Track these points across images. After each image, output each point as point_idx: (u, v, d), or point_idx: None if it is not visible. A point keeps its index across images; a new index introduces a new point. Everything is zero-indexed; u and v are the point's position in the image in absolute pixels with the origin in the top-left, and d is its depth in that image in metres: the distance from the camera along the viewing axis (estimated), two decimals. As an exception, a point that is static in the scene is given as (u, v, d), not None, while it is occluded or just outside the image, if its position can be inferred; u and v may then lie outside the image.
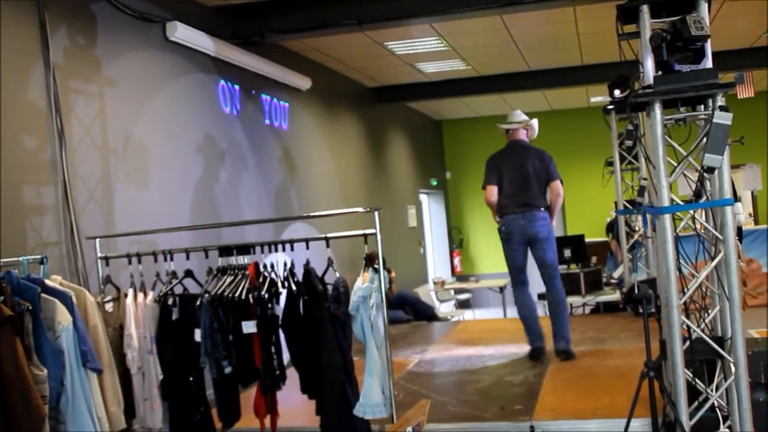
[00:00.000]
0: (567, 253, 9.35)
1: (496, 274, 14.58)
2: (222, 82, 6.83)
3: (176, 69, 6.16)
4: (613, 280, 9.28)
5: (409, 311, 10.15)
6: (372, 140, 11.23)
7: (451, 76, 10.93)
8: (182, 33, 6.03)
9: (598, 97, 12.98)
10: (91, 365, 3.64)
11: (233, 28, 7.00)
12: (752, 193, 13.18)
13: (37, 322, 3.44)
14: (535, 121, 6.85)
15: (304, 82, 8.39)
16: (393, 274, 9.89)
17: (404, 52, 9.23)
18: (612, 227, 10.37)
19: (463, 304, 13.17)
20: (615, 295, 8.96)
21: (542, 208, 6.45)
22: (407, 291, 10.71)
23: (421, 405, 3.53)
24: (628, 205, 8.03)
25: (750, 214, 13.17)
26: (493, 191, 6.56)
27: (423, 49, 9.13)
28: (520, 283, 6.57)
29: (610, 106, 7.81)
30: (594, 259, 9.65)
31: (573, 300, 9.18)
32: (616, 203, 8.56)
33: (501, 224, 6.54)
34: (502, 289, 11.42)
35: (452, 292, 12.71)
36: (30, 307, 3.41)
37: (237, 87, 7.10)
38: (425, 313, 10.25)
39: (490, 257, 15.57)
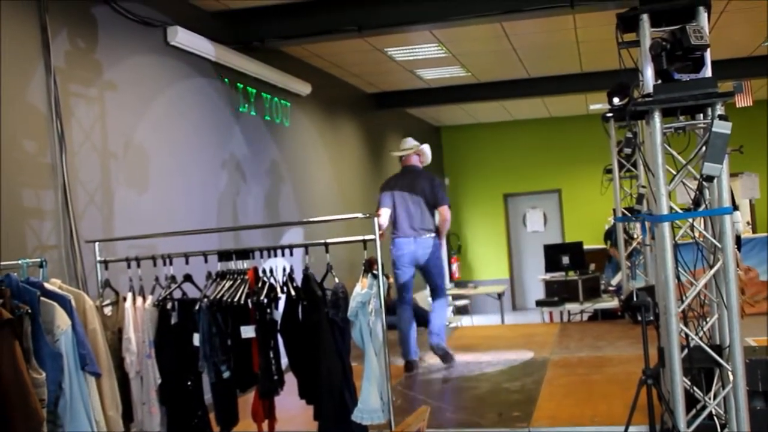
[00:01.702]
0: (565, 260, 9.35)
1: (494, 281, 14.62)
2: (222, 87, 6.84)
3: (177, 73, 6.17)
4: (611, 288, 9.29)
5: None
6: (371, 146, 11.24)
7: (451, 82, 10.95)
8: (183, 38, 6.05)
9: (597, 104, 13.00)
10: (89, 369, 3.64)
11: (234, 33, 7.01)
12: (750, 201, 13.20)
13: (36, 325, 3.44)
14: (425, 147, 7.16)
15: (303, 88, 8.41)
16: (391, 280, 9.86)
17: (404, 59, 9.24)
18: (610, 234, 10.39)
19: (461, 311, 13.15)
20: (613, 303, 8.97)
21: (432, 234, 6.81)
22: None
23: (420, 411, 3.54)
24: (626, 212, 8.04)
25: (748, 223, 13.17)
26: (385, 214, 6.82)
27: (423, 56, 9.15)
28: (404, 301, 6.88)
29: (609, 114, 7.82)
30: (592, 267, 9.66)
31: (571, 307, 9.19)
32: (614, 210, 8.57)
33: (392, 246, 6.85)
34: (500, 296, 11.42)
35: (450, 298, 12.69)
36: (29, 311, 3.41)
37: (237, 92, 7.11)
38: (422, 319, 10.23)
39: (488, 264, 15.60)
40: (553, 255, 9.60)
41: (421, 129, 14.29)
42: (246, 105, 7.28)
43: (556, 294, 9.27)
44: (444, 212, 6.87)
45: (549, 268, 9.71)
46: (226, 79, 6.90)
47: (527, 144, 15.28)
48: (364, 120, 11.00)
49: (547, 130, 15.13)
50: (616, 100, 6.81)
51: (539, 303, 9.52)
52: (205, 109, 6.56)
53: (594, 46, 8.93)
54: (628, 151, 7.96)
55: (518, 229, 15.73)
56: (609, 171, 8.55)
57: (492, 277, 15.25)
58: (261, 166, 7.56)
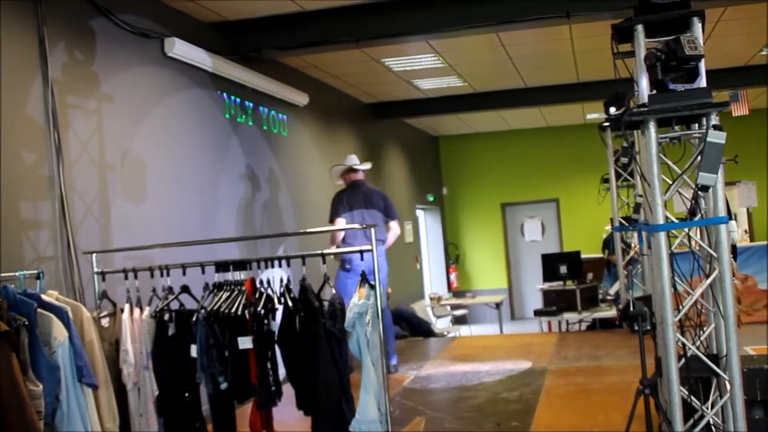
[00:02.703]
0: (563, 269, 9.36)
1: (493, 290, 14.62)
2: (220, 97, 6.86)
3: (174, 84, 6.19)
4: (609, 297, 9.29)
5: (405, 327, 10.14)
6: (369, 156, 11.23)
7: (448, 92, 10.98)
8: (180, 49, 6.07)
9: (594, 113, 13.04)
10: (86, 381, 3.64)
11: (231, 44, 7.03)
12: (748, 209, 13.22)
13: (33, 337, 3.44)
14: (368, 165, 7.44)
15: (301, 98, 8.43)
16: (389, 290, 9.88)
17: (401, 69, 9.27)
18: (608, 243, 10.40)
19: (459, 320, 13.15)
20: (611, 312, 8.97)
21: (383, 243, 7.00)
22: (403, 307, 10.70)
23: (415, 423, 3.54)
24: (624, 221, 8.05)
25: (746, 231, 13.20)
26: (341, 224, 6.97)
27: (420, 66, 9.18)
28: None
29: (606, 124, 7.85)
30: (590, 276, 9.66)
31: (569, 316, 9.19)
32: (612, 220, 8.58)
33: (345, 256, 6.83)
34: (498, 305, 11.43)
35: (448, 307, 12.71)
36: (26, 323, 3.41)
37: (234, 103, 7.13)
38: (421, 329, 10.24)
39: (486, 273, 15.60)
40: (550, 264, 9.61)
41: (418, 139, 14.32)
42: (243, 116, 7.30)
43: (554, 303, 9.26)
44: (396, 227, 7.15)
45: (547, 277, 9.71)
46: (224, 93, 6.91)
47: (525, 153, 15.31)
48: (362, 130, 11.02)
49: (545, 139, 15.16)
50: (612, 110, 6.84)
51: (537, 312, 9.52)
52: (202, 119, 6.58)
53: (590, 55, 8.96)
54: (624, 160, 7.93)
55: (516, 238, 15.74)
56: (606, 180, 8.57)
57: (490, 286, 15.25)
58: (259, 176, 7.57)
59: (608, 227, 11.01)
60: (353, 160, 7.27)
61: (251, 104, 7.46)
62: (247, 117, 7.36)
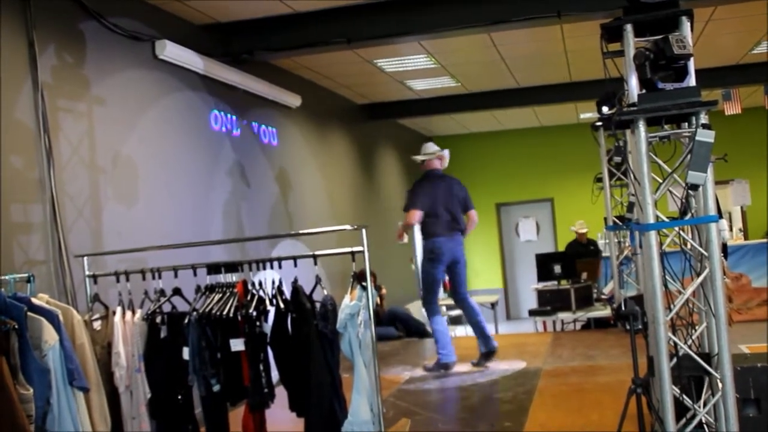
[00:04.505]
0: (557, 269, 9.36)
1: (488, 290, 14.62)
2: (212, 99, 6.85)
3: (165, 87, 6.17)
4: (603, 296, 9.29)
5: (400, 328, 10.13)
6: (362, 157, 11.26)
7: (441, 93, 10.98)
8: (171, 51, 6.06)
9: (588, 113, 13.05)
10: (77, 384, 3.64)
11: (223, 46, 7.02)
12: (742, 208, 13.24)
13: (23, 341, 3.44)
14: (446, 152, 7.41)
15: (294, 100, 8.42)
16: (384, 291, 9.88)
17: (394, 70, 9.27)
18: (571, 249, 10.53)
19: (454, 321, 13.12)
20: (606, 311, 8.97)
21: (462, 233, 7.20)
22: (399, 307, 10.68)
23: (400, 424, 3.54)
24: (617, 221, 8.07)
25: (740, 229, 13.23)
26: (417, 215, 7.07)
27: (412, 67, 9.18)
28: (436, 302, 7.26)
29: (599, 123, 7.86)
30: (584, 275, 9.66)
31: (564, 316, 9.19)
32: (605, 219, 8.59)
33: (428, 245, 7.09)
34: (493, 305, 11.42)
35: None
36: (16, 326, 3.41)
37: (227, 108, 7.12)
38: (416, 330, 10.22)
39: (481, 273, 15.60)
40: (545, 264, 9.61)
41: (412, 139, 14.30)
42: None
43: (549, 303, 9.26)
44: (474, 216, 7.38)
45: (541, 277, 9.71)
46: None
47: (519, 153, 15.32)
48: (355, 131, 11.02)
49: (538, 139, 15.17)
50: (605, 109, 6.83)
51: (532, 312, 9.52)
52: (194, 121, 6.57)
53: (582, 55, 8.97)
54: (617, 159, 7.99)
55: (511, 238, 15.75)
56: (599, 180, 8.58)
57: (485, 286, 15.26)
58: (251, 178, 7.56)
59: (573, 228, 11.10)
60: (431, 148, 7.28)
61: (244, 107, 7.45)
62: (239, 119, 7.36)
